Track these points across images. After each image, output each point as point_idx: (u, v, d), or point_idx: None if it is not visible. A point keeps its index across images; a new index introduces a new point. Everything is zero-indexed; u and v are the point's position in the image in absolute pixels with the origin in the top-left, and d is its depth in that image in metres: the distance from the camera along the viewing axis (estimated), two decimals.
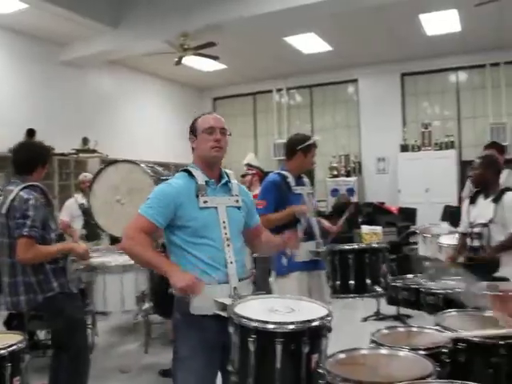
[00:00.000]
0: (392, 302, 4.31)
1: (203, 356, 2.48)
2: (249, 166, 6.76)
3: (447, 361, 2.20)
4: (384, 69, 11.54)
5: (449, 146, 10.83)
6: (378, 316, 6.19)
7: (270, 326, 2.05)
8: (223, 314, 2.33)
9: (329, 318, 2.15)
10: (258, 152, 13.07)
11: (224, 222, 2.57)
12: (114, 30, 8.67)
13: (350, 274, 3.71)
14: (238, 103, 13.49)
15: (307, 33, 9.46)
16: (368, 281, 3.71)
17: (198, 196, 2.54)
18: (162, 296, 4.55)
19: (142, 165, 4.51)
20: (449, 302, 3.41)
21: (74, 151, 9.55)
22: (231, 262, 2.52)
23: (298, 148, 3.92)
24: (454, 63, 11.18)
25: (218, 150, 2.61)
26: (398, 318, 5.81)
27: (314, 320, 2.10)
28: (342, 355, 2.21)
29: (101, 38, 8.97)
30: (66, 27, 8.59)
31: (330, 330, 2.15)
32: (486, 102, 10.99)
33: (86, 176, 6.64)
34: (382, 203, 10.57)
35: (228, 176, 2.74)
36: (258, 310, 2.26)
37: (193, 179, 2.60)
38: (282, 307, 2.31)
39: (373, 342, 2.40)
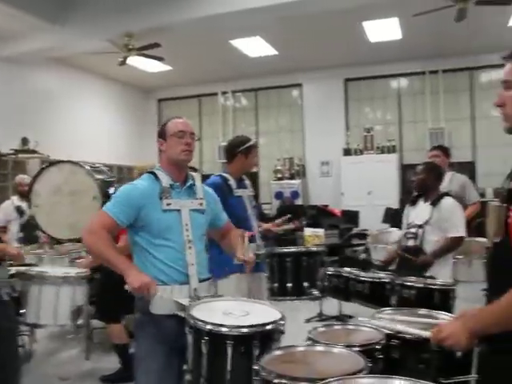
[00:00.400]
0: (322, 290, 4.28)
1: (162, 356, 2.55)
2: None
3: (380, 357, 2.27)
4: (328, 74, 11.73)
5: (390, 150, 11.11)
6: (321, 317, 6.28)
7: (224, 329, 2.15)
8: (182, 314, 2.40)
9: (282, 322, 2.30)
10: (203, 155, 13.06)
11: (187, 225, 2.65)
12: (55, 27, 8.46)
13: (288, 276, 3.76)
14: (184, 105, 13.43)
15: (253, 36, 9.53)
16: (305, 284, 3.76)
17: (161, 198, 2.61)
18: (104, 301, 4.48)
19: (87, 167, 4.43)
20: (374, 290, 3.51)
21: (12, 151, 9.26)
22: (192, 264, 2.60)
23: (238, 150, 3.96)
24: (395, 70, 11.50)
25: (188, 154, 2.70)
26: (340, 318, 5.92)
27: (267, 324, 2.23)
28: (278, 352, 2.21)
29: (42, 35, 8.73)
30: (6, 22, 8.34)
31: (282, 332, 2.29)
32: (426, 107, 11.35)
33: (23, 178, 6.46)
34: (326, 206, 10.73)
35: (194, 179, 2.80)
36: (213, 312, 2.37)
37: (157, 181, 2.67)
38: (238, 310, 2.41)
39: (309, 339, 2.44)
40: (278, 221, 4.36)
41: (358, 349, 2.25)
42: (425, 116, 11.37)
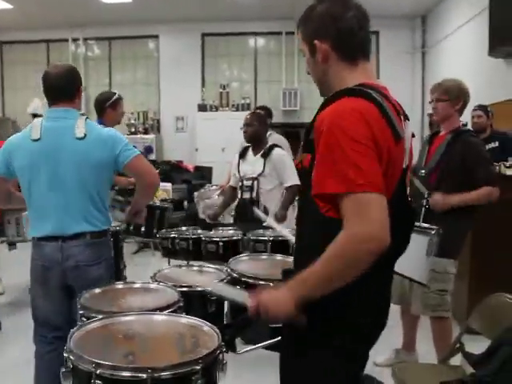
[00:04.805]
0: (167, 253, 4.14)
1: None
2: (34, 116, 6.28)
3: (213, 298, 2.38)
4: (185, 27, 11.42)
5: (245, 107, 11.12)
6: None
7: None
8: None
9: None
10: None
11: None
12: None
13: None
14: (30, 50, 12.30)
15: None
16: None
17: None
18: None
19: None
20: (228, 248, 3.55)
21: None
22: None
23: (107, 105, 4.26)
24: (253, 28, 11.50)
25: None
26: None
27: None
28: (98, 290, 2.36)
29: None
30: None
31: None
32: (281, 68, 11.53)
33: None
34: (180, 162, 10.63)
35: None
36: None
37: None
38: None
39: (154, 279, 2.59)
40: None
41: (184, 289, 2.35)
42: (280, 76, 11.57)
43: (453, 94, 3.36)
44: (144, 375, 1.48)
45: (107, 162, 2.74)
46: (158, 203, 4.32)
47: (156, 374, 1.49)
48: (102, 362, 1.51)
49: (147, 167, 2.85)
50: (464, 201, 3.30)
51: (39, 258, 2.74)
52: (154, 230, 4.14)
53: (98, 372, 1.49)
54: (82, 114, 2.86)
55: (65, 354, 1.61)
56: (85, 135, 2.72)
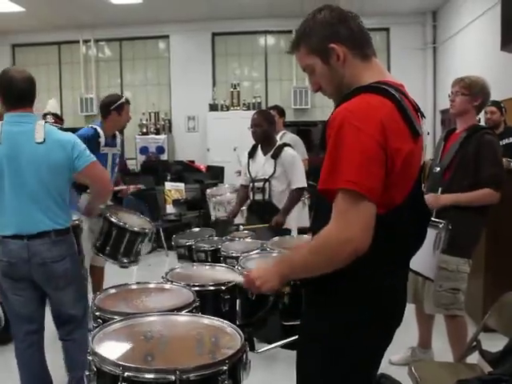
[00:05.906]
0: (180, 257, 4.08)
1: None
2: (54, 116, 6.36)
3: (227, 297, 2.40)
4: (195, 27, 11.43)
5: (256, 106, 11.12)
6: None
7: None
8: None
9: None
10: (63, 107, 12.28)
11: None
12: None
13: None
14: (42, 52, 12.38)
15: None
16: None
17: None
18: None
19: None
20: (216, 257, 3.46)
21: None
22: None
23: (111, 108, 4.18)
24: (263, 27, 11.49)
25: None
26: None
27: None
28: (112, 290, 2.34)
29: None
30: None
31: None
32: (291, 66, 11.50)
33: None
34: (192, 161, 10.66)
35: None
36: None
37: None
38: None
39: (165, 279, 2.54)
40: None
41: (210, 288, 2.38)
42: (290, 74, 11.55)
43: (474, 90, 3.30)
44: (172, 377, 1.49)
45: (66, 164, 2.87)
46: (136, 229, 3.80)
47: (184, 376, 1.50)
48: (129, 364, 1.53)
49: (101, 174, 3.13)
50: (457, 201, 3.27)
51: (5, 255, 2.82)
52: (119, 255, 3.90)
53: (125, 375, 1.51)
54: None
55: (89, 357, 1.62)
56: (44, 140, 2.82)
